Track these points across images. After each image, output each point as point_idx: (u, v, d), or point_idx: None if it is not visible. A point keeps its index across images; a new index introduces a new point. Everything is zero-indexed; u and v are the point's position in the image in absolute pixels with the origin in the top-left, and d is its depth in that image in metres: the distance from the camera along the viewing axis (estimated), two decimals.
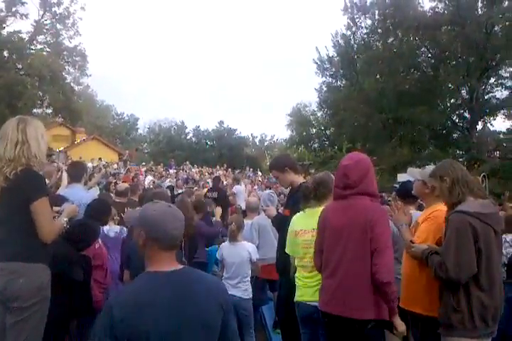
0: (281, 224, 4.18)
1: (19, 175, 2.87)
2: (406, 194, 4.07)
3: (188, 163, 28.42)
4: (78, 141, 36.38)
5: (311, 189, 3.60)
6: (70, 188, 5.03)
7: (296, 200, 4.03)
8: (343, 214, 3.00)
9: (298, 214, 3.77)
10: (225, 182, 17.45)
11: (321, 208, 3.36)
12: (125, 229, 4.92)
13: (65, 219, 3.21)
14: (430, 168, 3.50)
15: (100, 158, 23.92)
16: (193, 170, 25.49)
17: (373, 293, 2.84)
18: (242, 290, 4.64)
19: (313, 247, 3.25)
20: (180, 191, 12.67)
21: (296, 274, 3.65)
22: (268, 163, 34.08)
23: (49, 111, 39.40)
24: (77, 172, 5.31)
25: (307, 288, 3.46)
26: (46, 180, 3.41)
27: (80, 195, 4.67)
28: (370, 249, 2.83)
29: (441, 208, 3.26)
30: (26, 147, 2.96)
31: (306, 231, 3.57)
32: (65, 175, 5.41)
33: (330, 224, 3.07)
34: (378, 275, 2.78)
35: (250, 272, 4.77)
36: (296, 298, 3.58)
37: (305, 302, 3.45)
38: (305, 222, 3.59)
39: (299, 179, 4.33)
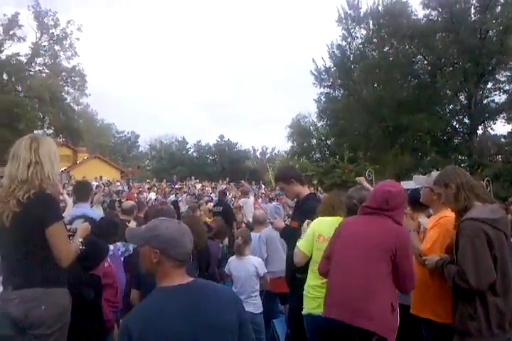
0: (289, 235, 4.14)
1: (33, 198, 2.75)
2: (416, 202, 4.04)
3: (193, 178, 28.48)
4: (80, 160, 36.45)
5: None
6: (77, 207, 5.07)
7: (304, 211, 4.00)
8: (362, 225, 3.03)
9: (329, 218, 3.63)
10: (229, 196, 17.48)
11: None
12: (119, 243, 4.88)
13: (80, 240, 3.11)
14: (435, 174, 3.50)
15: (101, 177, 23.83)
16: (196, 185, 25.49)
17: (383, 309, 2.83)
18: (251, 304, 4.60)
19: None
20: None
21: (312, 283, 3.53)
22: (270, 176, 34.11)
23: (50, 131, 39.61)
24: (84, 191, 5.34)
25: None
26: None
27: (89, 214, 4.68)
28: (388, 268, 2.87)
29: (448, 215, 3.25)
30: (39, 168, 2.83)
31: None
32: (66, 196, 5.41)
33: (345, 232, 3.08)
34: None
35: (258, 286, 4.74)
36: (310, 311, 3.47)
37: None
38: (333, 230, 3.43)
39: (305, 190, 4.32)
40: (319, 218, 3.67)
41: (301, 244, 3.62)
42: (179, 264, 2.04)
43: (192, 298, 1.97)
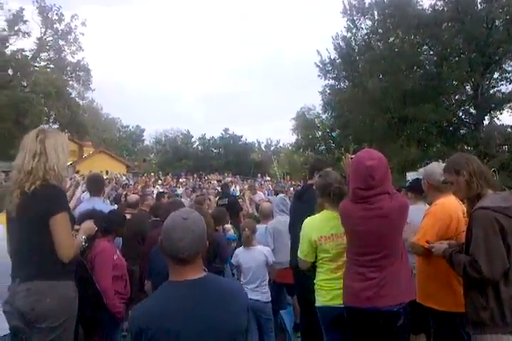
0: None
1: (38, 189, 2.78)
2: (417, 189, 4.17)
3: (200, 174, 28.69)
4: (86, 155, 36.60)
5: (342, 187, 3.44)
6: (89, 202, 5.08)
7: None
8: (369, 220, 2.97)
9: (318, 217, 3.59)
10: (232, 189, 17.55)
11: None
12: None
13: (83, 237, 3.11)
14: (434, 165, 3.61)
15: (107, 171, 23.85)
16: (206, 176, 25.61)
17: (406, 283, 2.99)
18: (261, 293, 4.64)
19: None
20: (188, 199, 12.76)
21: (323, 278, 3.52)
22: (275, 168, 34.09)
23: (55, 126, 39.73)
24: (97, 185, 5.35)
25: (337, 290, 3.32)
26: None
27: (101, 208, 4.71)
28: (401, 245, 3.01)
29: (439, 202, 3.33)
30: (44, 159, 2.85)
31: (338, 235, 3.41)
32: (79, 190, 5.40)
33: (357, 229, 3.04)
34: None
35: (267, 275, 4.77)
36: (325, 303, 3.47)
37: (338, 305, 3.27)
38: (332, 225, 3.45)
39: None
40: (307, 220, 3.60)
41: (300, 252, 3.60)
42: (175, 261, 1.88)
43: (202, 296, 1.88)
